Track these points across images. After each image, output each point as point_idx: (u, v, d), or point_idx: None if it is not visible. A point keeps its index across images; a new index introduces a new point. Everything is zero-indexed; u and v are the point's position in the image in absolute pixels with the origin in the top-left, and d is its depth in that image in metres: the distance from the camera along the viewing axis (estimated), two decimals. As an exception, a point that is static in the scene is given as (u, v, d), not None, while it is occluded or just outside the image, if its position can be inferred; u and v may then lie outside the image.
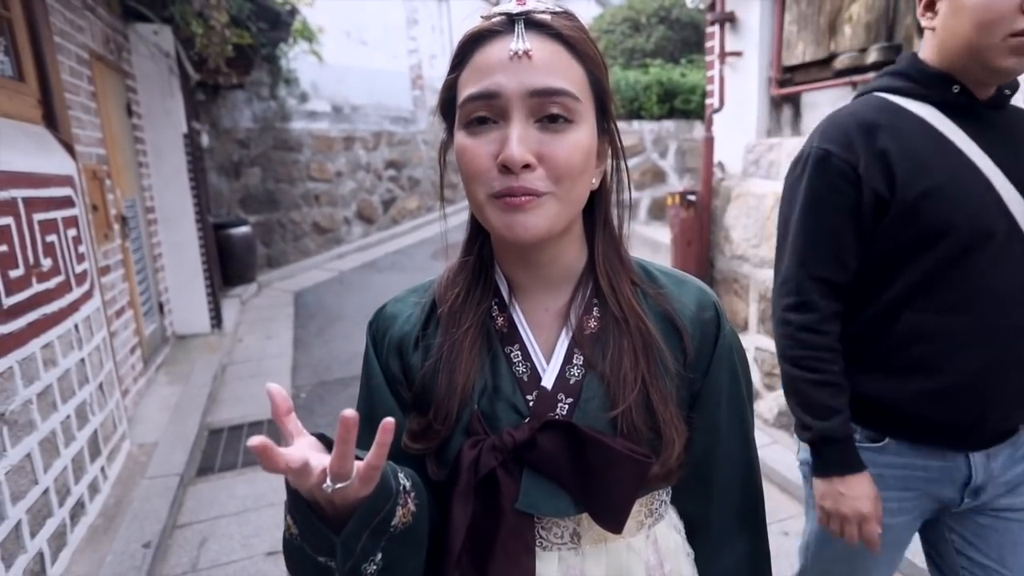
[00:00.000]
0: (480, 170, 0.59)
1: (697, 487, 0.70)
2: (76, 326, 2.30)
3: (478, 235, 0.69)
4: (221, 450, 3.03)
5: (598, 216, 0.68)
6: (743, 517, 0.74)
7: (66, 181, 2.41)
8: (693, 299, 0.69)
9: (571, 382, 0.64)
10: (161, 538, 2.25)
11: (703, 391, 0.68)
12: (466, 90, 0.59)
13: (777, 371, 2.87)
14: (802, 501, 2.44)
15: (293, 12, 5.67)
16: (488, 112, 0.58)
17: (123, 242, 3.50)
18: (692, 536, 0.74)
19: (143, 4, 3.92)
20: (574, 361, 0.65)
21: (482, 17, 0.61)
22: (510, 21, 0.59)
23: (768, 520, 2.65)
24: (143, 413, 3.24)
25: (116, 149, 3.59)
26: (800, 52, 2.84)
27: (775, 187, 2.85)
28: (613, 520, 0.63)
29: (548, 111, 0.58)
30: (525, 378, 0.65)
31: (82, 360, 2.32)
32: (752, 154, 3.05)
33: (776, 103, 3.08)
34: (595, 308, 0.66)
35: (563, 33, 0.59)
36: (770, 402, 2.89)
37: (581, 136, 0.59)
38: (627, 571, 0.66)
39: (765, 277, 2.88)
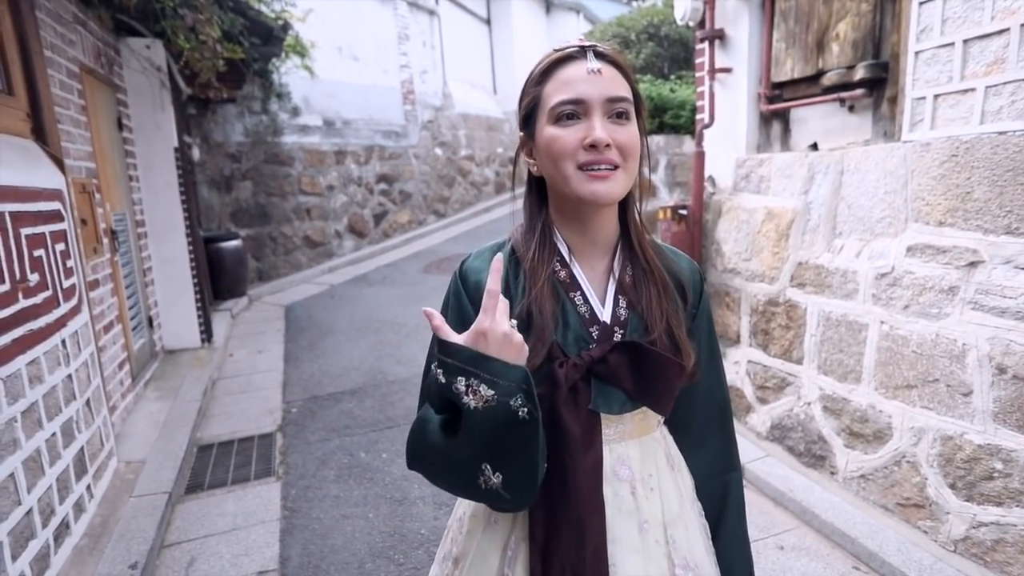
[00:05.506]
0: (570, 149, 0.82)
1: (682, 397, 0.94)
2: (63, 341, 2.27)
3: (540, 211, 0.92)
4: (211, 466, 2.99)
5: (630, 199, 0.92)
6: (717, 418, 1.02)
7: (55, 195, 2.39)
8: (687, 265, 0.98)
9: (621, 318, 0.89)
10: (148, 558, 2.20)
11: (692, 328, 0.94)
12: (556, 97, 0.83)
13: (770, 384, 2.88)
14: (796, 515, 2.44)
15: (286, 27, 5.68)
16: (575, 110, 0.82)
17: (112, 256, 3.47)
18: (676, 436, 1.01)
19: (134, 19, 3.92)
20: (620, 304, 0.89)
21: (556, 50, 0.86)
22: (582, 50, 0.84)
23: (763, 534, 2.62)
24: (131, 429, 3.19)
25: (106, 163, 3.57)
26: (788, 69, 2.89)
27: (765, 201, 2.88)
28: (663, 408, 0.90)
29: (616, 110, 0.83)
30: (587, 316, 0.88)
31: (69, 376, 2.29)
32: (742, 169, 3.08)
33: (765, 119, 3.12)
34: (628, 266, 0.91)
35: (616, 60, 0.85)
36: (763, 415, 2.89)
37: (634, 128, 0.84)
38: (653, 454, 0.93)
39: (756, 291, 2.89)
